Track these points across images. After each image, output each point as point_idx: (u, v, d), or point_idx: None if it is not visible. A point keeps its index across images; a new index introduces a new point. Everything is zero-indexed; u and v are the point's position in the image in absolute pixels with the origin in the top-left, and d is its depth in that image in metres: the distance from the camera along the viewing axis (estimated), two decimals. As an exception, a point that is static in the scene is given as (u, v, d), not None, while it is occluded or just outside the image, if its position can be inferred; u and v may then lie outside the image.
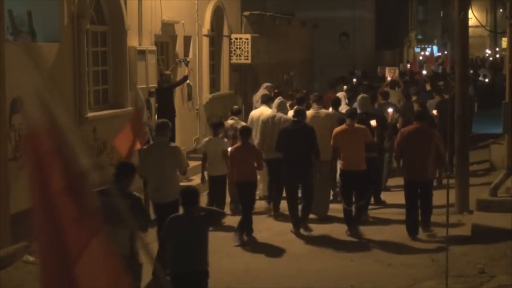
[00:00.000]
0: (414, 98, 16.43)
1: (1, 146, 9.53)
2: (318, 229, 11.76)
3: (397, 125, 14.09)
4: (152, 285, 8.38)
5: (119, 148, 10.70)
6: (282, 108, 12.53)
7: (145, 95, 13.92)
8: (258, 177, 12.14)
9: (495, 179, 12.58)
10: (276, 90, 16.42)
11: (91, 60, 12.41)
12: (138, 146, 10.58)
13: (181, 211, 7.71)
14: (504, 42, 44.73)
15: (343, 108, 13.78)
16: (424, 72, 28.21)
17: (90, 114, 11.87)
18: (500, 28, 41.82)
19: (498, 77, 30.34)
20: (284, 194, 12.11)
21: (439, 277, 9.06)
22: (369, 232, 11.51)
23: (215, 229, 9.97)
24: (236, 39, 18.74)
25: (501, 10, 55.16)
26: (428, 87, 21.08)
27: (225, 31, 18.45)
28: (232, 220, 11.46)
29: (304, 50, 27.05)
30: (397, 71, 24.87)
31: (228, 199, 12.36)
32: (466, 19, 12.94)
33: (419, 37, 57.81)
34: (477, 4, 51.33)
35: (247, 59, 18.72)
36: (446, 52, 41.11)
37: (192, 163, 13.24)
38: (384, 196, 13.62)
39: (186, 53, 16.00)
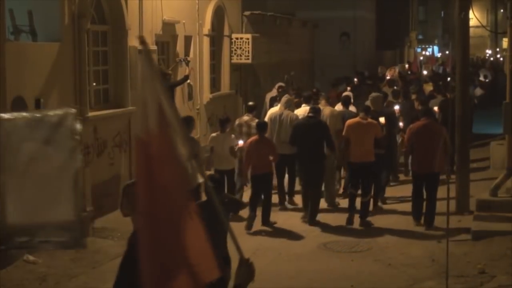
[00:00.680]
0: (414, 96, 16.70)
1: (2, 145, 9.54)
2: (318, 229, 11.78)
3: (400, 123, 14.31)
4: None
5: None
6: (289, 105, 13.12)
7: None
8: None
9: (496, 180, 12.58)
10: (280, 89, 16.58)
11: (92, 59, 12.41)
12: None
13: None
14: (505, 43, 44.74)
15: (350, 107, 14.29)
16: (425, 72, 28.19)
17: (90, 114, 11.87)
18: (501, 28, 41.83)
19: (499, 77, 30.32)
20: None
21: (439, 277, 9.07)
22: (369, 232, 11.53)
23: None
24: (237, 39, 18.74)
25: (501, 11, 55.15)
26: (429, 87, 21.10)
27: (226, 31, 18.45)
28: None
29: (304, 50, 27.05)
30: (396, 70, 24.92)
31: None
32: (466, 19, 12.94)
33: (420, 37, 57.85)
34: (477, 4, 51.27)
35: (248, 59, 18.72)
36: (447, 52, 41.11)
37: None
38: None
39: (186, 53, 16.01)
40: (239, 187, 12.80)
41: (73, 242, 2.90)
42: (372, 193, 12.50)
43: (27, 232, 2.77)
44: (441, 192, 11.62)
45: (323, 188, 12.72)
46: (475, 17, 14.80)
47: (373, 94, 14.12)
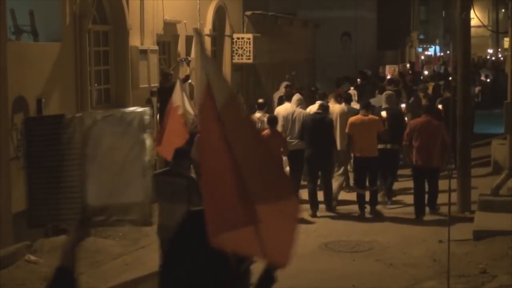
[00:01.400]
0: (422, 94, 17.13)
1: (3, 145, 9.54)
2: (319, 229, 11.78)
3: (405, 119, 14.63)
4: None
5: (165, 154, 10.68)
6: (300, 104, 13.82)
7: (147, 95, 13.96)
8: None
9: (497, 179, 12.58)
10: (287, 88, 16.79)
11: (93, 59, 12.42)
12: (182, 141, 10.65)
13: None
14: (506, 42, 44.75)
15: (354, 104, 14.83)
16: (426, 72, 28.19)
17: (92, 114, 11.87)
18: (502, 28, 41.80)
19: (500, 77, 30.31)
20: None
21: (440, 277, 9.06)
22: (370, 232, 11.53)
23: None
24: (238, 38, 18.74)
25: (503, 10, 55.14)
26: (430, 87, 21.12)
27: (227, 31, 18.45)
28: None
29: (306, 50, 27.04)
30: (397, 69, 24.96)
31: None
32: (468, 19, 12.93)
33: (421, 37, 57.82)
34: (479, 4, 51.26)
35: (249, 58, 18.72)
36: (448, 52, 41.09)
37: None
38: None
39: (188, 53, 16.02)
40: None
41: (142, 220, 3.35)
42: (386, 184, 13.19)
43: (104, 212, 3.25)
44: (442, 191, 11.78)
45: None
46: (476, 17, 14.80)
47: (388, 92, 14.53)
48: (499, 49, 55.54)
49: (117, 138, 3.35)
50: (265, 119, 12.95)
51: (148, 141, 3.43)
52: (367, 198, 12.59)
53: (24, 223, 4.03)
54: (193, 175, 9.37)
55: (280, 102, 15.18)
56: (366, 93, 17.72)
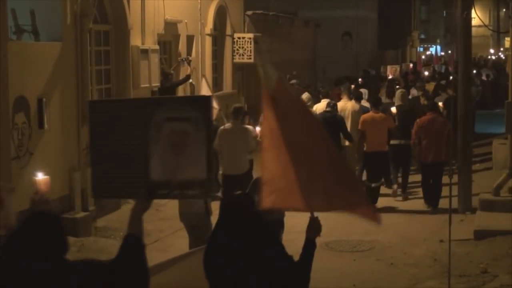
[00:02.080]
0: (420, 93, 17.49)
1: (4, 145, 9.54)
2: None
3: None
4: None
5: None
6: (308, 101, 14.75)
7: (148, 94, 13.95)
8: None
9: (498, 179, 12.57)
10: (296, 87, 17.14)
11: (94, 59, 12.41)
12: None
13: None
14: (507, 42, 44.72)
15: (364, 102, 15.53)
16: (426, 73, 28.17)
17: (92, 113, 11.87)
18: (503, 27, 41.76)
19: (501, 77, 30.29)
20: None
21: (441, 276, 9.06)
22: (371, 231, 11.52)
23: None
24: (239, 38, 18.74)
25: (504, 10, 55.11)
26: (430, 87, 21.14)
27: (228, 31, 18.46)
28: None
29: (306, 50, 27.04)
30: (398, 69, 25.00)
31: None
32: (469, 18, 12.92)
33: (422, 36, 57.80)
34: (480, 4, 51.23)
35: (250, 58, 18.73)
36: (449, 52, 41.10)
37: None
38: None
39: (189, 52, 16.03)
40: None
41: (203, 195, 3.87)
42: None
43: (167, 187, 3.70)
44: (444, 190, 11.91)
45: None
46: (477, 17, 14.82)
47: (402, 90, 15.47)
48: (501, 49, 55.47)
49: (179, 122, 3.72)
50: None
51: (210, 124, 3.83)
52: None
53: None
54: None
55: None
56: (372, 92, 18.03)
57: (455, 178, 12.09)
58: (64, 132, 11.07)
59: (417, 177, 15.10)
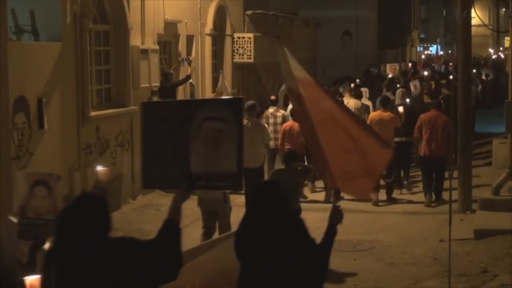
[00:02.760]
0: (424, 91, 18.12)
1: (4, 145, 9.53)
2: (320, 228, 11.77)
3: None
4: None
5: None
6: None
7: (148, 94, 13.96)
8: None
9: (498, 178, 12.57)
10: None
11: (94, 59, 12.41)
12: None
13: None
14: (507, 41, 44.72)
15: (364, 101, 16.22)
16: (425, 73, 28.19)
17: (92, 113, 11.88)
18: (503, 27, 41.76)
19: (501, 76, 30.29)
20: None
21: (441, 276, 9.06)
22: (371, 231, 11.53)
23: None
24: (239, 38, 18.74)
25: (503, 9, 55.13)
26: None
27: (228, 30, 18.46)
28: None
29: (306, 49, 27.03)
30: (397, 67, 25.04)
31: None
32: (468, 18, 12.92)
33: (422, 36, 57.78)
34: (479, 3, 51.25)
35: (250, 58, 18.73)
36: (449, 51, 41.08)
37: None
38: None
39: (188, 52, 16.02)
40: None
41: (234, 186, 4.32)
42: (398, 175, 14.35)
43: (204, 179, 4.18)
44: (444, 190, 11.89)
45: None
46: (477, 16, 14.81)
47: (402, 90, 16.14)
48: (501, 48, 55.49)
49: (215, 121, 4.14)
50: (278, 114, 14.22)
51: (241, 122, 4.28)
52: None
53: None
54: None
55: (287, 99, 15.39)
56: (373, 91, 18.27)
57: (455, 179, 12.10)
58: (64, 132, 11.07)
59: (418, 177, 15.18)
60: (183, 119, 4.21)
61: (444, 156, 13.06)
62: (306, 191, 13.61)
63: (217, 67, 18.26)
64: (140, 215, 12.29)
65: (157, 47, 14.23)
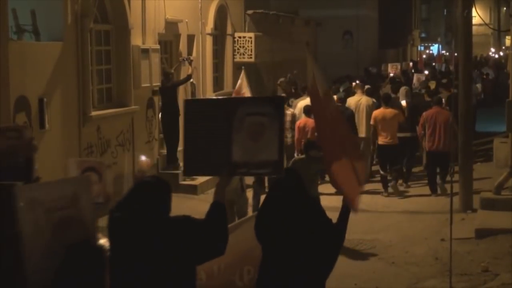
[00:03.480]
0: (423, 91, 18.29)
1: (5, 145, 9.54)
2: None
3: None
4: None
5: None
6: None
7: (149, 94, 13.97)
8: None
9: (499, 178, 12.57)
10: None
11: (95, 59, 12.41)
12: None
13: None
14: (508, 41, 44.69)
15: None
16: (426, 72, 28.21)
17: (93, 113, 11.88)
18: (504, 26, 41.74)
19: (501, 76, 30.29)
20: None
21: (442, 275, 9.07)
22: (372, 230, 11.53)
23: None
24: (240, 37, 18.75)
25: (504, 9, 55.08)
26: (432, 85, 21.22)
27: (229, 30, 18.46)
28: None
29: (307, 49, 27.02)
30: (399, 67, 25.07)
31: None
32: (469, 17, 12.92)
33: (423, 35, 57.77)
34: (480, 3, 51.20)
35: (251, 57, 18.73)
36: (451, 51, 41.05)
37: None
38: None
39: (189, 52, 16.02)
40: None
41: (274, 172, 4.80)
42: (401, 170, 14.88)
43: (245, 166, 4.68)
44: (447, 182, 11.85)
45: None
46: (478, 15, 14.80)
47: (405, 88, 17.32)
48: (503, 47, 55.44)
49: (258, 116, 4.64)
50: (288, 112, 14.29)
51: (282, 115, 4.77)
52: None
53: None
54: None
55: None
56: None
57: (456, 179, 12.11)
58: (65, 132, 11.07)
59: (418, 176, 15.24)
60: (226, 114, 4.70)
61: (448, 149, 13.13)
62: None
63: (218, 67, 18.27)
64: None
65: (158, 46, 14.22)
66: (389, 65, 27.52)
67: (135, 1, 13.40)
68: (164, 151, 14.54)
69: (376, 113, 14.44)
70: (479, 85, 25.89)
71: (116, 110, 12.84)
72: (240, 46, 18.68)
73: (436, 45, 63.08)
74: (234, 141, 4.65)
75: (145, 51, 13.54)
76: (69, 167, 6.86)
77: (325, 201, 11.99)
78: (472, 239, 10.71)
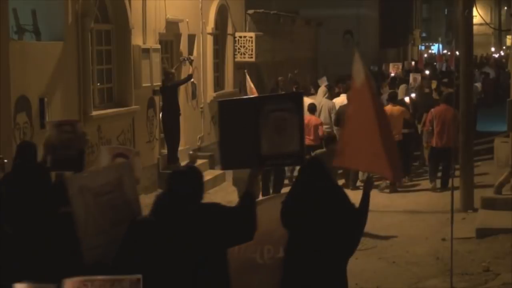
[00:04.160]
0: (427, 90, 18.44)
1: (6, 145, 9.55)
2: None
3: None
4: None
5: None
6: (324, 95, 16.23)
7: (149, 94, 13.96)
8: None
9: (500, 177, 12.57)
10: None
11: (96, 58, 12.42)
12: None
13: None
14: (509, 40, 44.70)
15: None
16: (427, 72, 28.20)
17: (94, 113, 11.89)
18: (505, 26, 41.73)
19: (502, 75, 30.28)
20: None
21: (443, 275, 9.06)
22: (373, 230, 11.51)
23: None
24: (240, 37, 18.74)
25: (505, 8, 55.08)
26: (432, 85, 21.25)
27: (229, 30, 18.45)
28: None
29: (308, 48, 27.03)
30: (400, 67, 25.07)
31: None
32: (470, 17, 12.91)
33: (424, 35, 57.75)
34: (481, 2, 51.19)
35: (251, 57, 18.72)
36: (449, 53, 41.06)
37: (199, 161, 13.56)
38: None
39: (190, 52, 16.01)
40: None
41: (298, 162, 5.33)
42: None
43: (272, 158, 5.04)
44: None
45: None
46: (478, 15, 14.81)
47: (404, 85, 18.24)
48: (504, 47, 55.44)
49: (281, 111, 4.99)
50: None
51: (302, 109, 5.12)
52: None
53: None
54: None
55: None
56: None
57: (457, 178, 12.11)
58: (66, 132, 11.06)
59: (419, 176, 15.26)
60: (254, 112, 5.03)
61: (454, 146, 13.36)
62: None
63: (218, 67, 18.26)
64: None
65: (158, 46, 14.23)
66: (391, 64, 27.52)
67: (135, 1, 13.40)
68: (165, 151, 14.54)
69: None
70: (478, 84, 25.88)
71: (117, 110, 12.84)
72: (240, 46, 18.68)
73: (436, 45, 63.06)
74: (261, 135, 5.00)
75: (146, 51, 13.54)
76: (101, 153, 7.45)
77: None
78: (473, 239, 10.70)
